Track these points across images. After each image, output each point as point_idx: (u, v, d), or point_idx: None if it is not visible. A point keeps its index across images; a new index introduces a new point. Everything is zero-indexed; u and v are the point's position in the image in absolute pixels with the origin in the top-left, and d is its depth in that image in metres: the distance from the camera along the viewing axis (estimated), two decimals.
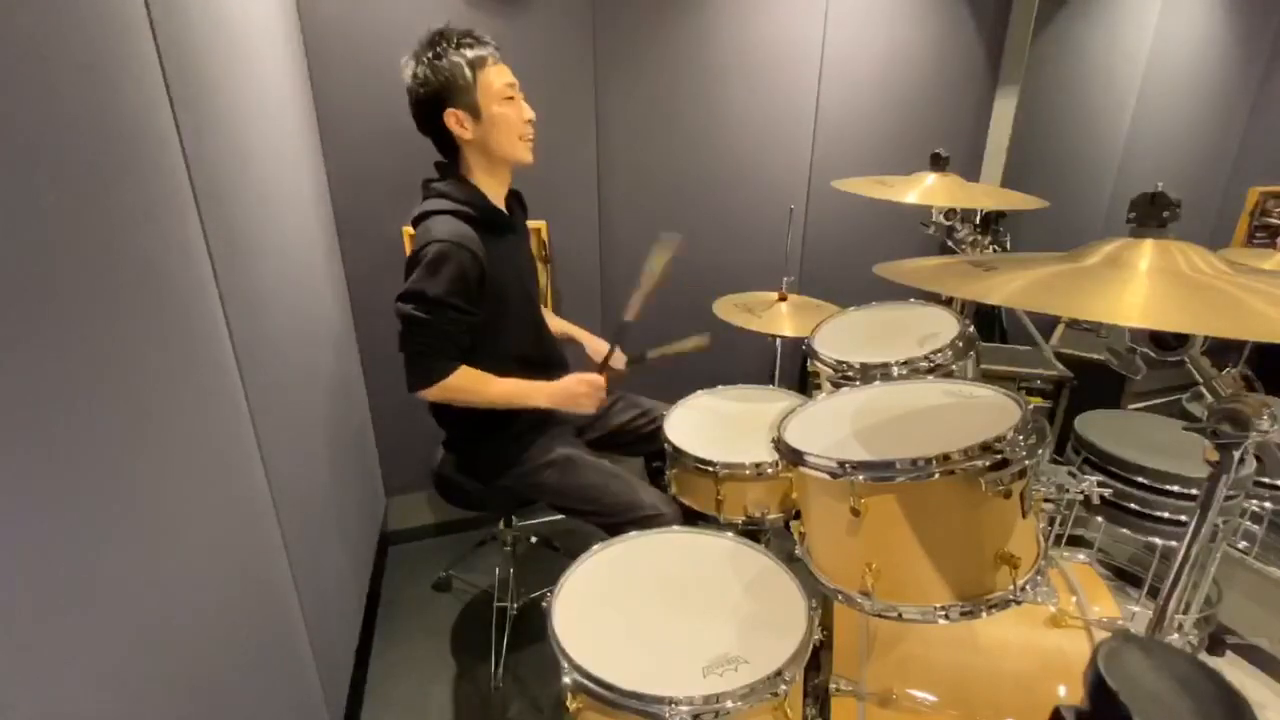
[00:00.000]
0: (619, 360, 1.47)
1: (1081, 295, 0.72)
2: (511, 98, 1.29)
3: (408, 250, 1.97)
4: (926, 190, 1.49)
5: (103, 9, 0.71)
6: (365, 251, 1.96)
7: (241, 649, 0.93)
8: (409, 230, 1.95)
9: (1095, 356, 2.10)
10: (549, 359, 1.50)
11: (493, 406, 1.33)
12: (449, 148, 1.32)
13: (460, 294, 1.24)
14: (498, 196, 1.36)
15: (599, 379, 1.36)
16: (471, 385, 1.29)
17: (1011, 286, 0.75)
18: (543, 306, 1.60)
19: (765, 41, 2.19)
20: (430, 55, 1.24)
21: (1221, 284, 0.69)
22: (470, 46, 1.25)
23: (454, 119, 1.26)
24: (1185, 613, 1.42)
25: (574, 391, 1.35)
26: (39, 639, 0.55)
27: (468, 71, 1.24)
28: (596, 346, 1.67)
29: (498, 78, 1.27)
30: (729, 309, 1.81)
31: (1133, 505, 1.47)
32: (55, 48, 0.62)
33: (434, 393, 1.27)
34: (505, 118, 1.29)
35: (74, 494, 0.60)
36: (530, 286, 1.45)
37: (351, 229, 1.92)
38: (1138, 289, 0.70)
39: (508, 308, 1.34)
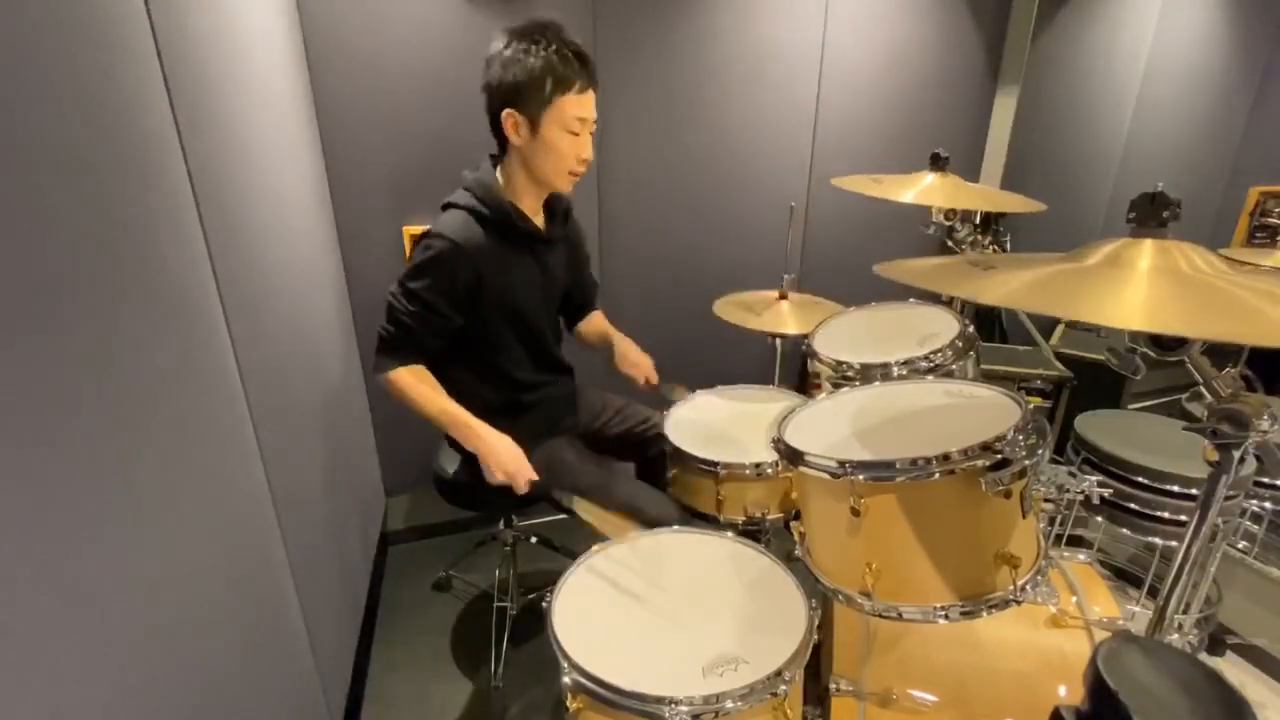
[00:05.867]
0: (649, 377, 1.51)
1: (1080, 297, 0.72)
2: (578, 133, 1.22)
3: (408, 250, 1.99)
4: (925, 190, 1.48)
5: (103, 9, 0.71)
6: (365, 251, 1.96)
7: (241, 649, 0.93)
8: (409, 230, 1.97)
9: (1095, 356, 2.10)
10: (553, 364, 1.48)
11: (424, 417, 1.27)
12: (500, 139, 1.26)
13: (444, 296, 1.21)
14: (533, 205, 1.32)
15: (528, 469, 1.24)
16: (411, 391, 1.25)
17: (1011, 286, 0.75)
18: (592, 305, 1.62)
19: (765, 41, 2.19)
20: (524, 46, 1.15)
21: (1222, 284, 0.69)
22: (564, 62, 1.16)
23: (510, 120, 1.20)
24: (1185, 613, 1.42)
25: (501, 457, 1.23)
26: (38, 639, 0.54)
27: (548, 86, 1.16)
28: (624, 351, 1.55)
29: (574, 109, 1.19)
30: (729, 308, 1.81)
31: (1133, 505, 1.47)
32: (55, 47, 0.62)
33: (383, 383, 1.27)
34: (559, 148, 1.22)
35: (73, 494, 0.60)
36: (542, 297, 1.39)
37: (351, 229, 1.92)
38: (1137, 290, 0.70)
39: (509, 319, 1.31)
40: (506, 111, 1.20)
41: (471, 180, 1.27)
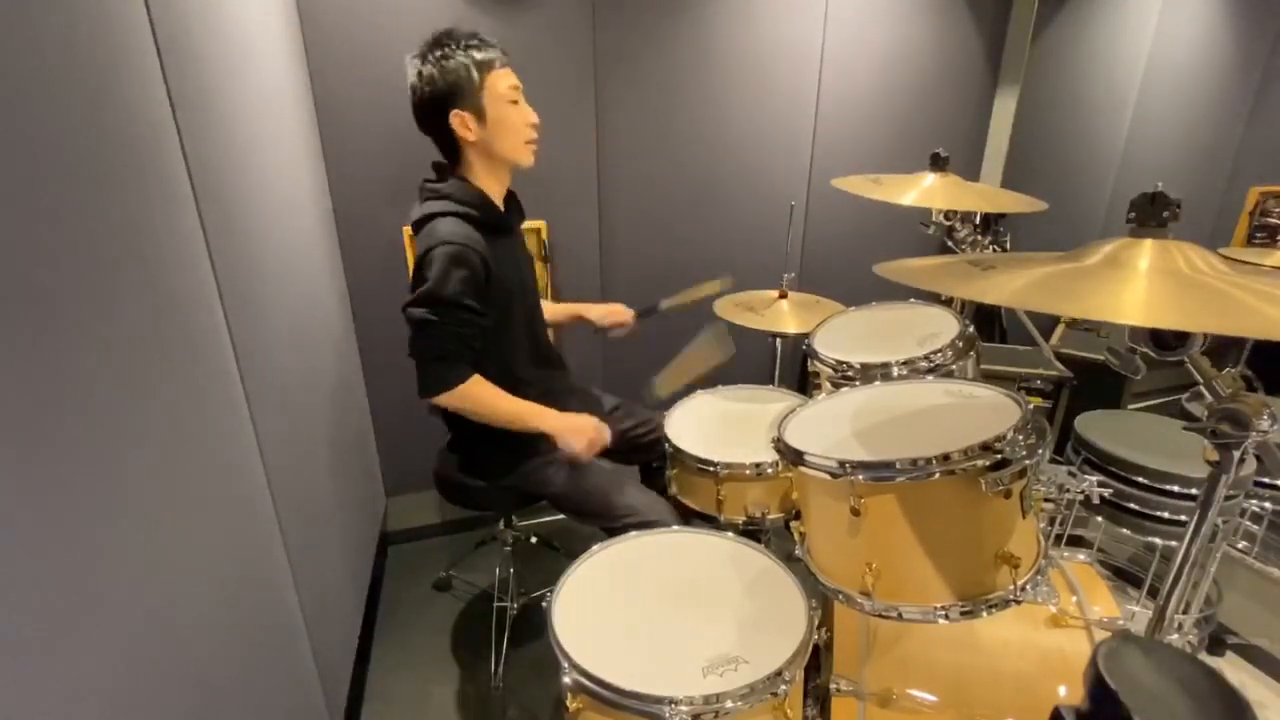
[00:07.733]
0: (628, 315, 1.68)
1: (1081, 295, 0.72)
2: (516, 101, 1.30)
3: (408, 250, 1.99)
4: (924, 192, 1.48)
5: (103, 9, 0.71)
6: (365, 252, 1.96)
7: (241, 649, 0.93)
8: (409, 230, 1.97)
9: (1095, 356, 2.10)
10: (549, 357, 1.51)
11: (496, 423, 1.32)
12: (450, 148, 1.32)
13: (472, 295, 1.24)
14: (498, 198, 1.36)
15: (606, 428, 1.36)
16: (485, 397, 1.29)
17: (1012, 286, 0.75)
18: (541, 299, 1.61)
19: (765, 41, 2.19)
20: (438, 55, 1.23)
21: (1221, 283, 0.69)
22: (478, 49, 1.25)
23: (459, 120, 1.26)
24: (1185, 613, 1.42)
25: (579, 426, 1.34)
26: (38, 639, 0.54)
27: (474, 74, 1.24)
28: (600, 313, 1.69)
29: (503, 81, 1.27)
30: (730, 307, 1.81)
31: (1133, 505, 1.47)
32: (55, 48, 0.62)
33: (446, 400, 1.27)
34: (510, 121, 1.29)
35: (73, 494, 0.60)
36: (530, 286, 1.46)
37: (351, 229, 1.92)
38: (1138, 288, 0.70)
39: (512, 309, 1.35)
40: (453, 113, 1.25)
41: (446, 189, 1.29)
